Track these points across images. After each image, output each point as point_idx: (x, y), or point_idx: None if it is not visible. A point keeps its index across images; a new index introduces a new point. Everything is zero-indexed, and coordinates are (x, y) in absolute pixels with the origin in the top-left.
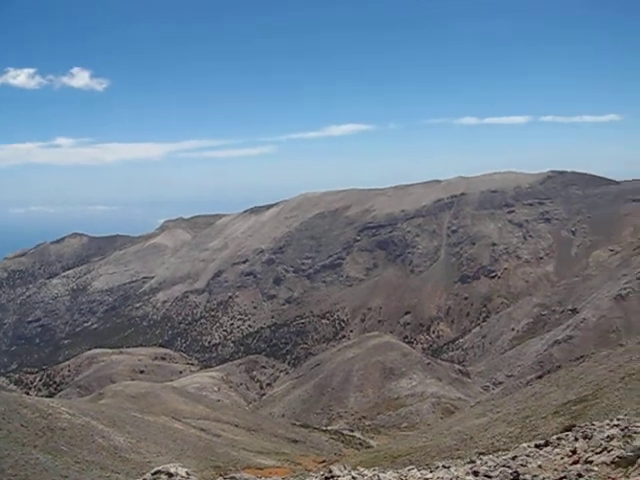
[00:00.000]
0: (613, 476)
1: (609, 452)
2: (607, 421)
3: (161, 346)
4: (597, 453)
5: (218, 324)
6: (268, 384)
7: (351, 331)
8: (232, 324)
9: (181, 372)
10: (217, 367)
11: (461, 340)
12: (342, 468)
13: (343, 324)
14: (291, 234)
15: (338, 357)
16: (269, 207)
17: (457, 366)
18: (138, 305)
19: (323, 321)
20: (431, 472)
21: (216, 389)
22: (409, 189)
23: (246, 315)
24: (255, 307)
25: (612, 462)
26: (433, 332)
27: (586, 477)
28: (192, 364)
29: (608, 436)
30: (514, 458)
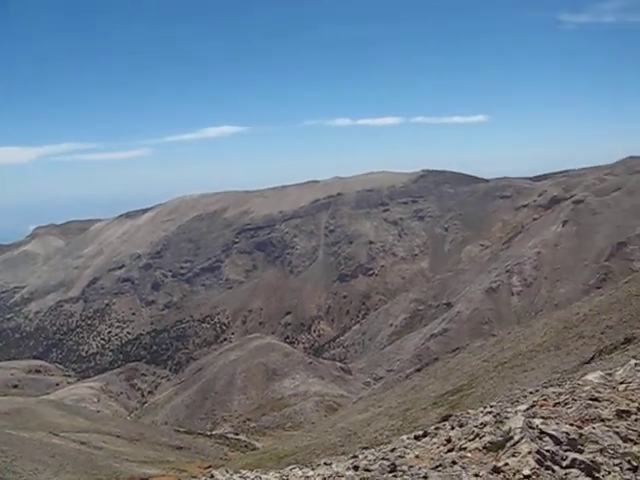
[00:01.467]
0: (485, 460)
1: (481, 438)
2: (481, 409)
3: (35, 358)
4: (470, 440)
5: (95, 333)
6: (149, 392)
7: (232, 334)
8: (110, 332)
9: (58, 384)
10: (96, 377)
11: (342, 338)
12: (224, 472)
13: (224, 327)
14: (168, 238)
15: (220, 361)
16: (145, 211)
17: (339, 364)
18: (9, 316)
19: (204, 325)
20: (313, 470)
21: (95, 400)
22: (286, 190)
23: (124, 322)
24: (134, 313)
25: (484, 447)
26: (314, 331)
27: (460, 463)
28: (69, 375)
29: (482, 423)
30: (393, 450)
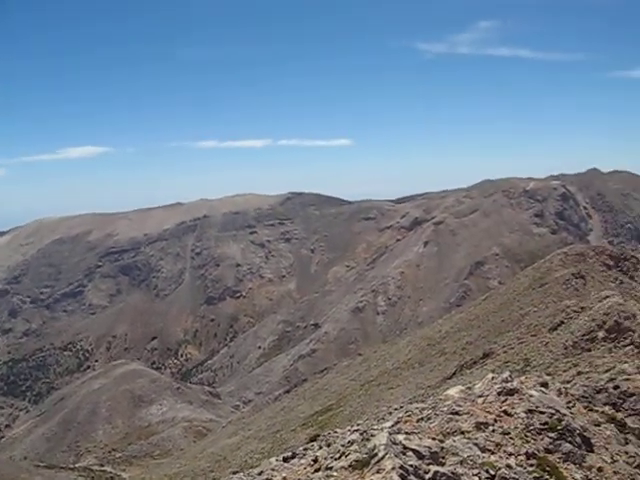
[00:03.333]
0: (350, 478)
1: (347, 457)
2: (348, 427)
3: None
4: (336, 459)
5: None
6: (7, 425)
7: (96, 361)
8: None
9: None
10: None
11: (210, 362)
12: None
13: (87, 354)
14: (27, 262)
15: (83, 389)
16: (1, 234)
17: (207, 388)
18: None
19: (65, 353)
20: None
21: None
22: (151, 212)
23: None
24: None
25: (350, 465)
26: (181, 356)
27: None
28: None
29: (349, 441)
30: (260, 473)
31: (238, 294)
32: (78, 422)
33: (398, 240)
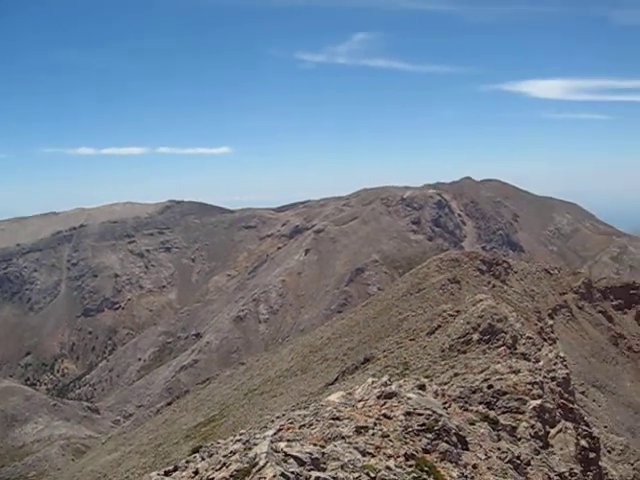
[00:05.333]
0: None
1: (228, 467)
2: (231, 437)
3: None
4: (217, 470)
5: None
6: None
7: None
8: None
9: None
10: None
11: (88, 376)
12: None
13: None
14: None
15: None
16: None
17: (85, 403)
18: None
19: None
20: None
21: None
22: (25, 222)
23: None
24: None
25: (231, 476)
26: (58, 371)
27: None
28: None
29: (231, 451)
30: None
31: (117, 305)
32: None
33: (279, 248)
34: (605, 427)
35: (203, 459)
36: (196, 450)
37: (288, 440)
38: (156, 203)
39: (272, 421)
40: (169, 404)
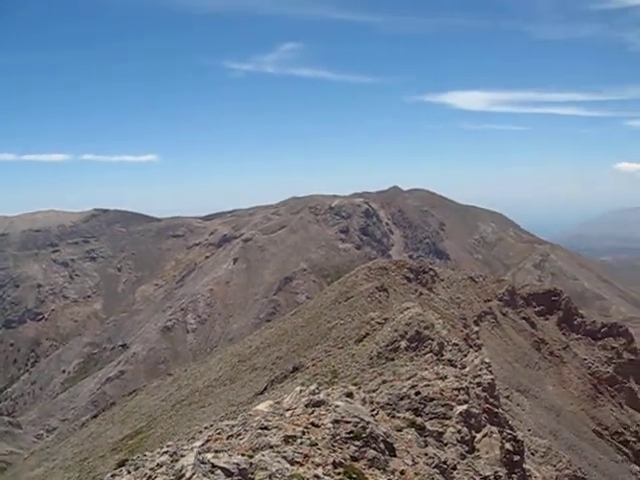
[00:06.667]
0: None
1: None
2: (158, 450)
3: None
4: None
5: None
6: None
7: None
8: None
9: None
10: None
11: (9, 390)
12: None
13: None
14: None
15: None
16: None
17: (6, 418)
18: None
19: None
20: None
21: None
22: None
23: None
24: None
25: None
26: None
27: None
28: None
29: (157, 464)
30: None
31: (40, 316)
32: None
33: (207, 257)
34: (529, 430)
35: (129, 472)
36: (122, 464)
37: (216, 451)
38: (81, 211)
39: (200, 432)
40: (95, 417)
